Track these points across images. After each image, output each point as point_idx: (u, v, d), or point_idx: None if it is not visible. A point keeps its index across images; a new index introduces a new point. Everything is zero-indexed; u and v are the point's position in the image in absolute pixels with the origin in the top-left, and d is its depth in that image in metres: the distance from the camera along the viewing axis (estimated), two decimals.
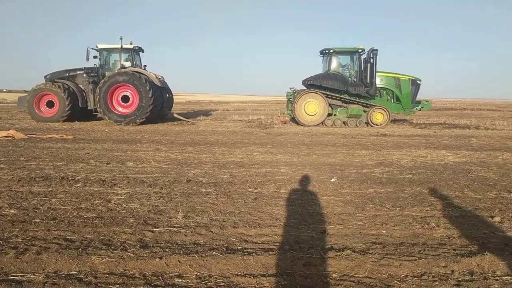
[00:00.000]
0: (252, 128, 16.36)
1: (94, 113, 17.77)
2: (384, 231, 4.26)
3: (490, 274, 3.21)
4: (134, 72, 16.71)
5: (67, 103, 17.22)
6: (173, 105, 21.21)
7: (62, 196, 5.37)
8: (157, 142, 11.27)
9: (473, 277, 3.17)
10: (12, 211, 4.68)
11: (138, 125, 16.60)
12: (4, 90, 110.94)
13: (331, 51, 17.84)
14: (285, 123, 18.70)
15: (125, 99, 16.82)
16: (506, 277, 3.16)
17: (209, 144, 10.91)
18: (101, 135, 12.93)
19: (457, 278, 3.15)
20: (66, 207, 4.89)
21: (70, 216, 4.56)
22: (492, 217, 4.74)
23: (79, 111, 17.99)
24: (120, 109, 16.84)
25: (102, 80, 16.84)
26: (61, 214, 4.60)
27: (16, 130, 11.95)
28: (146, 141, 11.34)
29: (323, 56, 18.65)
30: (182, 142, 11.26)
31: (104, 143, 10.85)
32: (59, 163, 7.64)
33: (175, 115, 19.54)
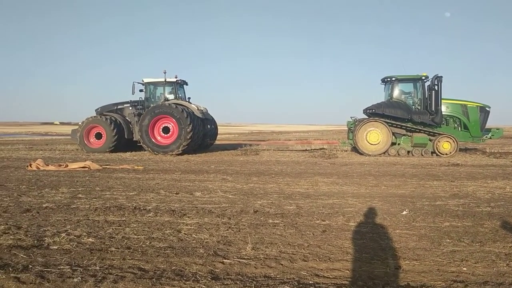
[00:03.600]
0: (316, 158, 16.23)
1: (138, 144, 18.30)
2: (464, 268, 4.00)
3: None
4: (174, 104, 17.25)
5: (113, 134, 18.14)
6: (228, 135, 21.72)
7: (135, 225, 5.56)
8: (223, 172, 11.44)
9: None
10: (90, 239, 4.90)
11: (179, 155, 17.07)
12: (56, 123, 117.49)
13: (393, 79, 17.54)
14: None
15: (166, 130, 17.37)
16: None
17: (274, 174, 10.92)
18: (170, 165, 13.36)
19: None
20: (139, 236, 5.04)
21: (143, 245, 4.68)
22: None
23: (125, 142, 18.82)
24: (161, 139, 17.39)
25: (144, 112, 17.63)
26: (134, 243, 4.74)
27: (92, 161, 12.65)
28: (212, 171, 11.56)
29: (384, 84, 18.35)
30: (247, 172, 11.36)
31: (173, 173, 11.19)
32: (131, 193, 7.96)
33: None
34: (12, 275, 3.71)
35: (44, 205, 6.80)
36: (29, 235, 5.03)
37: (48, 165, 12.40)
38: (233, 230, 5.32)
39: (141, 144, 17.65)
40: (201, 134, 18.42)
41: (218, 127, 22.10)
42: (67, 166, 12.21)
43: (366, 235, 5.12)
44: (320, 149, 21.22)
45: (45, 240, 4.85)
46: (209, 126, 19.93)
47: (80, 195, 7.73)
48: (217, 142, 22.89)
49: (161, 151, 17.16)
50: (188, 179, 10.06)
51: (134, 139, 18.64)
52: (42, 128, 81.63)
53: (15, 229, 5.33)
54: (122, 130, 18.66)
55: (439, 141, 16.84)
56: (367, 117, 17.87)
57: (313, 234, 5.16)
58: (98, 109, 19.85)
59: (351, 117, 18.87)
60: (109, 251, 4.46)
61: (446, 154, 16.68)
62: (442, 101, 16.83)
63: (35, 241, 4.79)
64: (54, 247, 4.58)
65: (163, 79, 18.59)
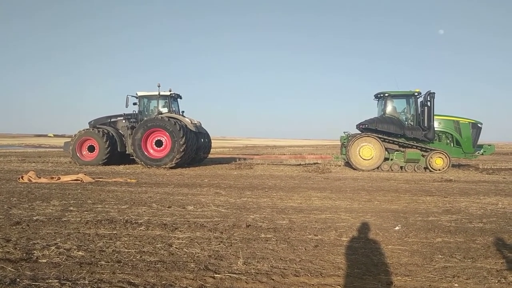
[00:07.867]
0: (309, 172, 16.22)
1: (131, 157, 18.24)
2: (456, 285, 3.99)
3: None
4: (167, 117, 17.26)
5: (106, 147, 18.15)
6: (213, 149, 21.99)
7: (126, 239, 5.51)
8: (216, 186, 11.41)
9: None
10: (80, 253, 4.84)
11: (172, 168, 17.11)
12: (50, 135, 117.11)
13: (386, 94, 17.70)
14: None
15: (159, 143, 17.37)
16: None
17: (267, 189, 10.90)
18: (163, 179, 13.30)
19: None
20: (129, 250, 4.99)
21: (134, 259, 4.64)
22: None
23: (118, 155, 18.80)
24: (153, 152, 17.38)
25: (137, 125, 17.65)
26: (125, 257, 4.70)
27: (85, 174, 12.57)
28: (205, 185, 11.52)
29: (378, 100, 18.52)
30: (240, 187, 11.33)
31: (166, 187, 11.14)
32: (123, 206, 7.91)
33: None
34: None
35: (34, 218, 6.73)
36: (18, 248, 4.97)
37: (40, 177, 12.30)
38: (224, 245, 5.29)
39: (134, 157, 17.60)
40: (194, 147, 18.38)
41: (213, 140, 22.09)
42: (59, 178, 12.13)
43: (358, 250, 5.10)
44: (314, 163, 21.26)
45: (34, 253, 4.79)
46: (202, 139, 19.93)
47: (71, 208, 7.66)
48: (211, 155, 22.88)
49: (154, 165, 17.11)
50: (181, 192, 10.01)
51: (127, 152, 18.58)
52: (35, 140, 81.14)
53: (3, 242, 5.27)
54: (115, 143, 18.63)
55: (431, 157, 16.96)
56: (360, 132, 17.96)
57: (305, 249, 5.13)
58: (91, 121, 19.84)
59: (344, 132, 18.97)
60: (99, 265, 4.41)
61: (438, 169, 16.78)
62: (435, 117, 17.02)
63: (24, 254, 4.73)
64: (43, 261, 4.53)
65: (157, 93, 18.61)
